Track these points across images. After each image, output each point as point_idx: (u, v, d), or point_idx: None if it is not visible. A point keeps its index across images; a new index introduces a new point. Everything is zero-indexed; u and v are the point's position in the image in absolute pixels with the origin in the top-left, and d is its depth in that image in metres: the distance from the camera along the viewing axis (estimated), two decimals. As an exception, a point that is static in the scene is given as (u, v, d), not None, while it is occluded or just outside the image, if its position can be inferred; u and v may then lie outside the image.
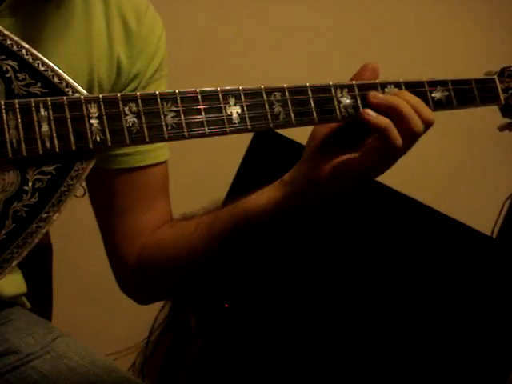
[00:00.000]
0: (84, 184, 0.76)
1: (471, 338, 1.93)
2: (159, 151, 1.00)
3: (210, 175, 2.07)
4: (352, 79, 0.84)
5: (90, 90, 0.93)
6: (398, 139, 0.78)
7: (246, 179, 1.91)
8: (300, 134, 1.90)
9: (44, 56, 0.75)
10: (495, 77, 0.90)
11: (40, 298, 1.25)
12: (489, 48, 2.21)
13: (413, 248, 1.93)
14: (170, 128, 0.75)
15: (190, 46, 2.04)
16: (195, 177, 2.07)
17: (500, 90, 0.90)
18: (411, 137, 0.79)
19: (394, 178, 1.70)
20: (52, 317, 1.28)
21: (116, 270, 1.05)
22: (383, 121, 0.79)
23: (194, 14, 2.04)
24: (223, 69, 2.04)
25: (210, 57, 2.07)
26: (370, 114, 0.80)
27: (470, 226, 1.95)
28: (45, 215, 0.73)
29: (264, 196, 0.87)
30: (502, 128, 0.94)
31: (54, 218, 0.73)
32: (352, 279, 1.93)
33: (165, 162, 1.01)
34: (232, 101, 0.77)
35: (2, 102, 0.70)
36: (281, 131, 1.92)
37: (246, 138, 1.93)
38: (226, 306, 1.88)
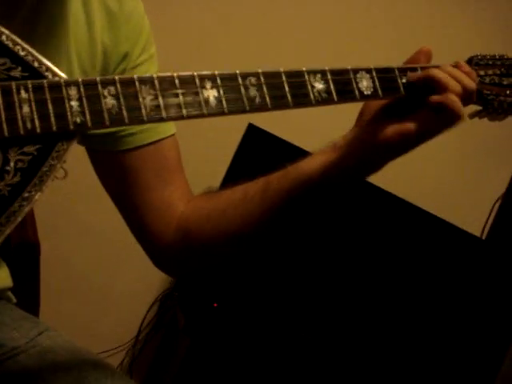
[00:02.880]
0: (65, 166, 0.78)
1: (460, 337, 1.94)
2: (165, 125, 1.01)
3: (200, 173, 2.09)
4: (406, 63, 0.90)
5: (70, 76, 0.94)
6: (461, 109, 0.85)
7: (240, 170, 1.94)
8: (292, 135, 1.93)
9: None
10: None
11: (27, 293, 1.25)
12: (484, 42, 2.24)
13: (403, 248, 1.94)
14: (148, 110, 0.77)
15: (182, 41, 2.06)
16: (187, 168, 2.09)
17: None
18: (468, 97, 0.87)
19: (385, 179, 1.72)
20: (40, 314, 1.29)
21: (149, 248, 1.05)
22: (448, 97, 0.85)
23: (188, 9, 2.07)
24: (216, 63, 2.06)
25: (203, 51, 2.10)
26: (435, 97, 0.86)
27: (460, 227, 1.97)
28: (27, 194, 0.74)
29: (316, 159, 0.91)
30: (471, 115, 0.96)
31: (36, 197, 0.75)
32: (342, 278, 1.93)
33: (173, 135, 1.03)
34: (208, 85, 0.80)
35: None
36: (271, 130, 1.95)
37: (237, 136, 1.96)
38: (215, 305, 1.89)
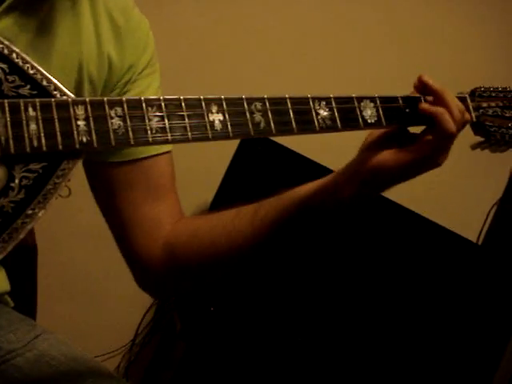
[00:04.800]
0: (69, 184, 0.78)
1: (457, 343, 1.94)
2: None
3: (197, 178, 2.09)
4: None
5: (79, 86, 0.96)
6: (451, 124, 0.86)
7: (234, 181, 1.94)
8: (290, 140, 1.93)
9: (35, 56, 0.77)
10: (466, 96, 0.95)
11: (24, 297, 1.25)
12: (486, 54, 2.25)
13: (399, 253, 1.94)
14: (154, 132, 0.77)
15: (183, 51, 2.07)
16: (181, 180, 2.09)
17: (471, 108, 0.95)
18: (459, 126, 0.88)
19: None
20: (37, 318, 1.29)
21: (134, 266, 1.04)
22: (438, 108, 0.87)
23: (188, 18, 2.07)
24: (216, 73, 2.07)
25: (203, 61, 2.10)
26: (425, 105, 0.88)
27: (457, 232, 1.97)
28: (30, 212, 0.75)
29: (312, 184, 0.91)
30: (474, 146, 0.97)
31: (40, 214, 0.75)
32: (337, 281, 1.93)
33: (169, 152, 1.03)
34: (214, 108, 0.80)
35: None
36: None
37: (233, 142, 1.96)
38: (212, 309, 1.89)
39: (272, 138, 1.94)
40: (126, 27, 0.99)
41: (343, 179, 0.89)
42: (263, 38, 2.15)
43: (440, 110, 0.86)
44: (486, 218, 2.24)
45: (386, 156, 0.86)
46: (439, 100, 0.88)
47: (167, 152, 1.03)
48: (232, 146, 1.94)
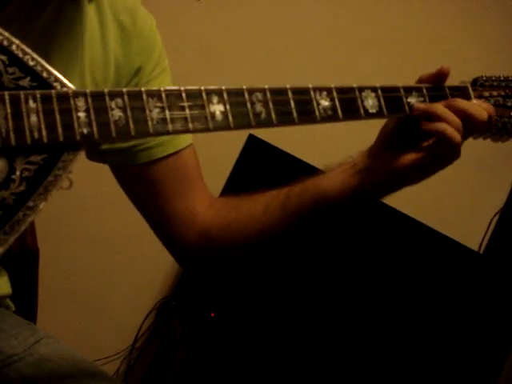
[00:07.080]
0: (70, 176, 0.78)
1: (457, 352, 1.94)
2: (181, 138, 1.04)
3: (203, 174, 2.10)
4: (421, 80, 0.92)
5: None
6: (456, 137, 0.87)
7: (236, 187, 1.95)
8: (293, 146, 1.94)
9: None
10: (468, 85, 0.95)
11: (25, 301, 1.25)
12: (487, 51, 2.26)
13: (401, 261, 1.95)
14: (155, 123, 0.77)
15: (187, 51, 2.07)
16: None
17: (473, 97, 0.94)
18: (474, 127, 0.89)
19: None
20: (37, 322, 1.29)
21: (174, 250, 1.09)
22: (439, 126, 0.88)
23: (192, 19, 2.08)
24: (220, 72, 2.08)
25: (208, 61, 2.11)
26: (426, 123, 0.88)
27: (458, 241, 1.97)
28: (31, 204, 0.74)
29: (337, 180, 0.94)
30: (475, 136, 0.97)
31: (41, 206, 0.75)
32: (339, 289, 1.94)
33: (191, 144, 1.06)
34: (215, 99, 0.80)
35: None
36: (271, 141, 1.96)
37: (237, 147, 1.97)
38: (212, 315, 1.89)
39: (277, 146, 1.95)
40: (133, 28, 1.00)
41: (368, 179, 0.92)
42: (264, 38, 2.16)
43: (440, 126, 0.87)
44: (488, 227, 2.24)
45: (406, 157, 0.89)
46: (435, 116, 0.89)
47: (190, 145, 1.05)
48: (238, 144, 1.95)
